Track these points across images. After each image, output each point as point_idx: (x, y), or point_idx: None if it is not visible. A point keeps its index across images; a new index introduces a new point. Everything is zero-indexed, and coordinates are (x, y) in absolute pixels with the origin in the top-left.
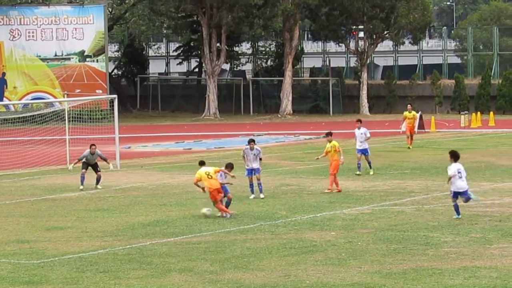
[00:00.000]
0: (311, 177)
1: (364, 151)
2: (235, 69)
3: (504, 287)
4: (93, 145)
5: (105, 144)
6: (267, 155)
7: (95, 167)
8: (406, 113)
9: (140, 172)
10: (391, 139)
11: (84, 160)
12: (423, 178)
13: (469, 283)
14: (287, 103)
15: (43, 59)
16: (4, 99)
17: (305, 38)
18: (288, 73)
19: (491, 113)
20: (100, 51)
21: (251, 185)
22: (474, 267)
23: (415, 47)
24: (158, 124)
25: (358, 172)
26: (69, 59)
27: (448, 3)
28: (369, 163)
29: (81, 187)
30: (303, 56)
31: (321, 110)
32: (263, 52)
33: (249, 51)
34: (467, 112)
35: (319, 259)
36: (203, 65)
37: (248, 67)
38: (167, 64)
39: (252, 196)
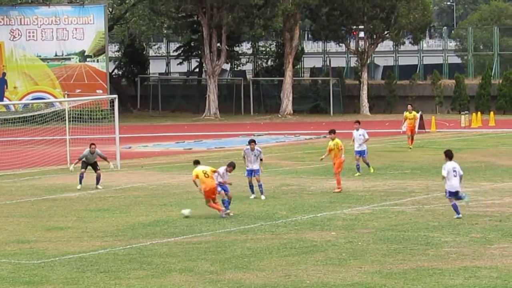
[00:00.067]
0: (312, 177)
1: (361, 153)
2: (235, 69)
3: (504, 287)
4: (93, 144)
5: (105, 144)
6: (267, 155)
7: (94, 166)
8: (406, 113)
9: (141, 172)
10: (392, 139)
11: (83, 159)
12: (423, 178)
13: (470, 283)
14: (287, 103)
15: (44, 59)
16: (5, 99)
17: (306, 38)
18: (289, 73)
19: (492, 113)
20: (101, 51)
21: (251, 186)
22: (474, 267)
23: (415, 47)
24: (159, 124)
25: (357, 174)
26: (69, 59)
27: (449, 3)
28: (367, 163)
29: (79, 186)
30: (304, 56)
31: (322, 110)
32: (264, 52)
33: (250, 51)
34: (467, 112)
35: (319, 259)
36: (204, 65)
37: (248, 67)
38: (168, 64)
39: (252, 196)
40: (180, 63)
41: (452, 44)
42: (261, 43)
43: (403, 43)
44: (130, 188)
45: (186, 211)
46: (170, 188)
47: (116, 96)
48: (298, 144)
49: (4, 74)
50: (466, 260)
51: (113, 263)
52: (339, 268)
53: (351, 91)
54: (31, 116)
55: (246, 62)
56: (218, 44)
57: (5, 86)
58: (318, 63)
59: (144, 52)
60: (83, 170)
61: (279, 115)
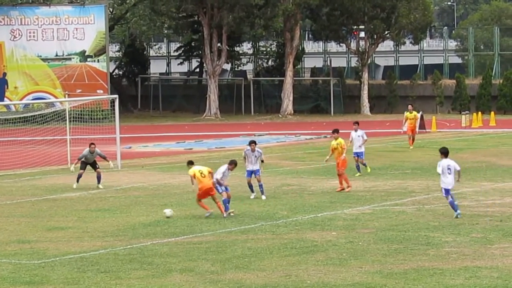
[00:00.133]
0: (312, 177)
1: (360, 154)
2: (236, 69)
3: (505, 287)
4: (92, 143)
5: (106, 144)
6: (268, 155)
7: (93, 165)
8: (407, 113)
9: (141, 172)
10: (392, 139)
11: (83, 159)
12: (424, 178)
13: (470, 283)
14: (288, 103)
15: (44, 59)
16: (5, 99)
17: (306, 38)
18: (289, 73)
19: (492, 113)
20: (101, 51)
21: (250, 186)
22: (475, 267)
23: (416, 47)
24: (159, 124)
25: (358, 174)
26: (70, 59)
27: (449, 3)
28: (364, 164)
29: (75, 185)
30: (304, 56)
31: (322, 110)
32: (264, 52)
33: (250, 51)
34: (468, 112)
35: (320, 259)
36: (204, 65)
37: (249, 67)
38: (168, 64)
39: (252, 196)
40: (181, 63)
41: (452, 44)
42: (261, 43)
43: (404, 43)
44: (131, 188)
45: (168, 212)
46: (170, 188)
47: (116, 96)
48: (299, 144)
49: (4, 74)
50: (466, 260)
51: (114, 263)
52: (339, 268)
53: (351, 91)
54: (31, 116)
55: (247, 62)
56: (219, 44)
57: (6, 86)
58: (318, 63)
59: (145, 52)
60: (81, 171)
61: (280, 115)
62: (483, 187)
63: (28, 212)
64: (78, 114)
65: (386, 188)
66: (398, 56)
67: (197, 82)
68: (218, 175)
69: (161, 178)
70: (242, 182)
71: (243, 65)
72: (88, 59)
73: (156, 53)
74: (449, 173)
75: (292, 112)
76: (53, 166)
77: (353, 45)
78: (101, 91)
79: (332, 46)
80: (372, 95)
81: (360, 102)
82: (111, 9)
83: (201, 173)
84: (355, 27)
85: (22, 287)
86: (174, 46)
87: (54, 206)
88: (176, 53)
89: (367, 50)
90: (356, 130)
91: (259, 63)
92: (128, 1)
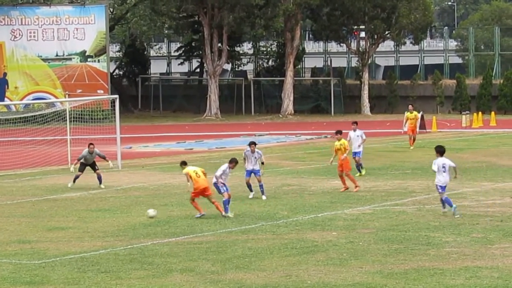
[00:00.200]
0: (313, 177)
1: (358, 154)
2: (236, 69)
3: (505, 287)
4: (91, 144)
5: (106, 144)
6: (268, 155)
7: (93, 166)
8: (407, 113)
9: (142, 172)
10: (392, 139)
11: (82, 160)
12: (424, 178)
13: (471, 283)
14: (288, 103)
15: (45, 59)
16: (6, 99)
17: (306, 38)
18: (290, 73)
19: (493, 113)
20: (102, 51)
21: (249, 185)
22: (475, 267)
23: (416, 47)
24: (160, 124)
25: (358, 174)
26: (70, 59)
27: (449, 3)
28: (360, 164)
29: (70, 184)
30: (305, 56)
31: (323, 110)
32: (265, 52)
33: (251, 51)
34: (468, 112)
35: (320, 259)
36: (205, 65)
37: (249, 67)
38: (169, 64)
39: (251, 195)
40: (181, 63)
41: (453, 44)
42: (262, 43)
43: (404, 43)
44: (131, 188)
45: (151, 212)
46: (171, 188)
47: (117, 96)
48: (299, 144)
49: (5, 74)
50: (467, 260)
51: (114, 263)
52: (340, 268)
53: (352, 91)
54: (32, 116)
55: (247, 62)
56: (219, 44)
57: (6, 86)
58: (319, 63)
59: (145, 52)
60: (79, 173)
61: (280, 115)
62: (484, 187)
63: (28, 212)
64: (79, 114)
65: (387, 188)
66: (399, 56)
67: (197, 82)
68: (218, 172)
69: (161, 178)
70: (242, 182)
71: (244, 65)
72: (89, 59)
73: (156, 53)
74: (444, 171)
75: (293, 112)
76: (53, 166)
77: (353, 45)
78: (102, 91)
79: (333, 46)
80: (372, 95)
81: (360, 102)
82: (111, 9)
83: (196, 173)
84: (356, 27)
85: (23, 287)
86: (174, 46)
87: (54, 206)
88: (176, 53)
89: (367, 50)
90: (354, 130)
91: (260, 63)
92: (128, 1)
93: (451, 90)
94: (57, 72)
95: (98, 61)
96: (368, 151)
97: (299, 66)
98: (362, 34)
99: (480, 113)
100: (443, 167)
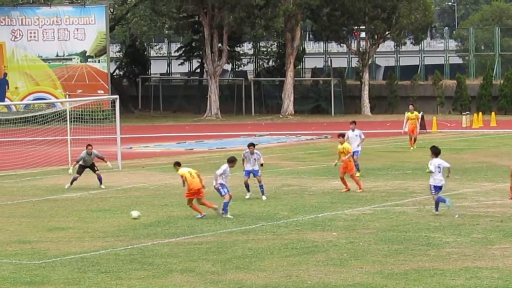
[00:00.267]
0: (313, 178)
1: (356, 153)
2: (236, 69)
3: None
4: (89, 145)
5: (106, 144)
6: (268, 155)
7: (92, 167)
8: (408, 113)
9: (142, 172)
10: (393, 139)
11: (81, 162)
12: (424, 179)
13: (471, 284)
14: (288, 103)
15: (45, 60)
16: (6, 99)
17: (307, 38)
18: (290, 73)
19: (493, 113)
20: (102, 51)
21: (247, 185)
22: (475, 267)
23: (416, 48)
24: (160, 125)
25: (358, 174)
26: (70, 59)
27: (450, 3)
28: (357, 164)
29: (67, 186)
30: (305, 56)
31: (323, 111)
32: (265, 53)
33: (251, 52)
34: (468, 112)
35: (320, 260)
36: (205, 65)
37: (249, 67)
38: (169, 65)
39: (248, 196)
40: (181, 64)
41: (453, 45)
42: (262, 44)
43: (404, 43)
44: (132, 188)
45: (134, 213)
46: (171, 189)
47: (117, 96)
48: (299, 144)
49: (5, 74)
50: (467, 261)
51: (114, 264)
52: (340, 268)
53: (352, 91)
54: (32, 116)
55: (247, 63)
56: (219, 45)
57: (7, 87)
58: (319, 63)
59: (145, 53)
60: (77, 175)
61: (280, 116)
62: (484, 188)
63: (29, 212)
64: (79, 115)
65: (387, 188)
66: (399, 57)
67: (197, 83)
68: (219, 171)
69: (161, 178)
70: (242, 182)
71: (244, 66)
72: (89, 60)
73: (156, 54)
74: (439, 172)
75: (293, 112)
76: (54, 167)
77: (353, 45)
78: (102, 92)
79: (333, 47)
80: (372, 96)
81: (360, 102)
82: (111, 10)
83: (191, 174)
84: (356, 27)
85: (23, 287)
86: (174, 46)
87: (55, 206)
88: (176, 54)
89: (367, 50)
90: (353, 130)
91: (260, 63)
92: (128, 2)
93: (452, 90)
94: (57, 72)
95: (99, 61)
96: (368, 151)
97: (299, 67)
98: (363, 35)
99: (480, 113)
100: (439, 167)
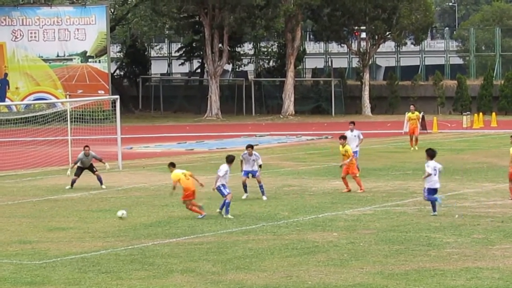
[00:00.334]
0: (313, 178)
1: (354, 154)
2: (237, 69)
3: None
4: (87, 146)
5: (107, 144)
6: (269, 155)
7: (91, 169)
8: (409, 114)
9: (142, 172)
10: (393, 140)
11: (79, 164)
12: None
13: (471, 284)
14: (289, 103)
15: (45, 60)
16: (7, 99)
17: (307, 38)
18: (290, 73)
19: (493, 114)
20: (102, 51)
21: (245, 186)
22: (476, 268)
23: (417, 48)
24: (160, 125)
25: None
26: (71, 59)
27: (450, 3)
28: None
29: (67, 187)
30: (305, 56)
31: (323, 111)
32: (265, 53)
33: (251, 52)
34: (469, 113)
35: (321, 260)
36: (205, 65)
37: (250, 67)
38: (169, 65)
39: (244, 196)
40: (182, 64)
41: (454, 45)
42: (262, 44)
43: (405, 43)
44: (132, 188)
45: (120, 213)
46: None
47: (117, 96)
48: (300, 144)
49: (6, 74)
50: (468, 261)
51: (115, 264)
52: (340, 269)
53: (353, 91)
54: (33, 116)
55: (248, 63)
56: (220, 45)
57: (7, 87)
58: (319, 63)
59: (146, 53)
60: (75, 177)
61: (281, 116)
62: (485, 188)
63: (29, 212)
64: (79, 115)
65: (387, 189)
66: (399, 57)
67: (198, 83)
68: (221, 172)
69: (162, 178)
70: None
71: (244, 66)
72: (89, 60)
73: (157, 54)
74: (435, 174)
75: (293, 112)
76: (54, 167)
77: (354, 45)
78: (102, 92)
79: (333, 47)
80: (373, 96)
81: (361, 102)
82: (112, 10)
83: (185, 175)
84: (356, 27)
85: (23, 287)
86: (175, 46)
87: (55, 206)
88: (177, 54)
89: (368, 50)
90: (352, 130)
91: (260, 63)
92: (129, 2)
93: (452, 90)
94: (58, 72)
95: (99, 61)
96: (369, 151)
97: (299, 67)
98: (363, 35)
99: (481, 114)
100: (435, 169)
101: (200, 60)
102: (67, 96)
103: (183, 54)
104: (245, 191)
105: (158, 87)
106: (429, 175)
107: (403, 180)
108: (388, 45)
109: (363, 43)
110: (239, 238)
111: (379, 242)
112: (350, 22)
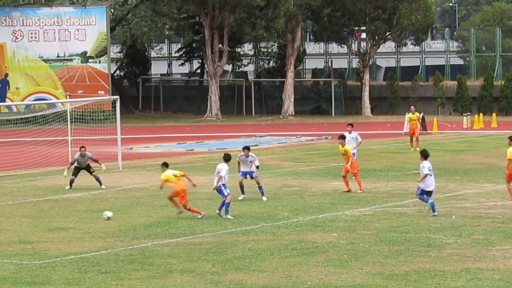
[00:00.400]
0: (313, 178)
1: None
2: (237, 70)
3: None
4: (83, 147)
5: (107, 145)
6: (269, 156)
7: (88, 169)
8: (409, 114)
9: (142, 173)
10: (393, 140)
11: (76, 164)
12: None
13: (471, 285)
14: (289, 104)
15: (46, 60)
16: (7, 100)
17: (307, 39)
18: (290, 74)
19: (494, 114)
20: (103, 52)
21: (242, 186)
22: (476, 269)
23: (417, 48)
24: (160, 125)
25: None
26: (71, 60)
27: (451, 4)
28: None
29: (67, 187)
30: (305, 57)
31: (323, 111)
32: (265, 53)
33: (251, 52)
34: (469, 113)
35: (321, 261)
36: (205, 66)
37: (250, 68)
38: (169, 65)
39: (241, 197)
40: (182, 64)
41: (454, 45)
42: (262, 44)
43: (405, 44)
44: (132, 189)
45: (107, 213)
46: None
47: (118, 97)
48: (300, 145)
49: (6, 75)
50: (468, 262)
51: (115, 264)
52: (340, 269)
53: (353, 92)
54: (33, 117)
55: (248, 63)
56: (220, 45)
57: (8, 87)
58: (320, 64)
59: (146, 53)
60: (73, 177)
61: (281, 116)
62: (485, 189)
63: (29, 212)
64: (79, 115)
65: (387, 189)
66: (400, 57)
67: (198, 83)
68: (223, 173)
69: None
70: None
71: (244, 66)
72: (90, 60)
73: (157, 54)
74: (431, 175)
75: (293, 113)
76: (54, 167)
77: (354, 46)
78: (102, 92)
79: (333, 47)
80: (373, 96)
81: (361, 103)
82: (112, 10)
83: (175, 176)
84: (357, 28)
85: (24, 287)
86: (175, 47)
87: (55, 206)
88: (177, 54)
89: (368, 51)
90: (350, 132)
91: (260, 64)
92: (129, 2)
93: (452, 91)
94: (58, 73)
95: (99, 62)
96: (369, 152)
97: (299, 67)
98: (363, 35)
99: (481, 114)
100: (429, 170)
101: (200, 61)
102: (67, 97)
103: (183, 55)
104: (242, 192)
105: (158, 88)
106: (426, 175)
107: (403, 181)
108: (388, 46)
109: (363, 44)
110: (239, 238)
111: (379, 243)
112: (350, 23)
